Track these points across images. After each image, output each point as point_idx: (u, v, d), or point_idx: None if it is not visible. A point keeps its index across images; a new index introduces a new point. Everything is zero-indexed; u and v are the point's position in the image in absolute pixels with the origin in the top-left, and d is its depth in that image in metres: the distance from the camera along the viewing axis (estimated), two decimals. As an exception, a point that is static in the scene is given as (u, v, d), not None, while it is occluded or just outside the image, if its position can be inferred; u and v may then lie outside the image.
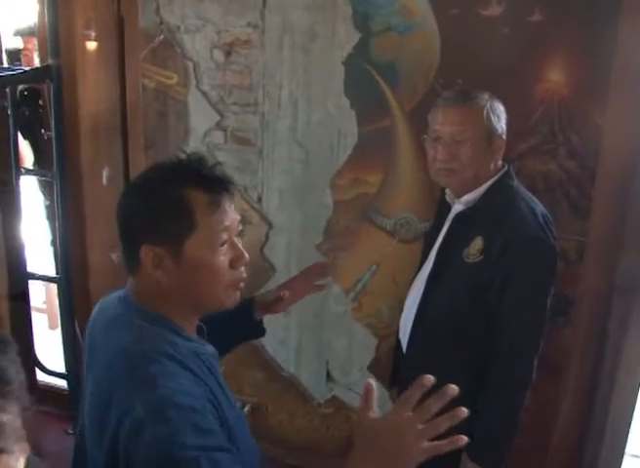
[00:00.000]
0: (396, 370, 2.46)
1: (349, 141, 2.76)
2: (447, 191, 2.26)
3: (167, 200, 1.34)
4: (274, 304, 1.87)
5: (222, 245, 1.37)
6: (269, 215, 2.97)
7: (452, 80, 2.50)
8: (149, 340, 1.34)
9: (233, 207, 1.41)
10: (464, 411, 1.13)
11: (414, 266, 2.46)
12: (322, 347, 3.02)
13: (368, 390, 1.21)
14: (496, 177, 2.15)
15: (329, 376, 3.05)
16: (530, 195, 2.18)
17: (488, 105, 2.09)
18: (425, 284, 2.22)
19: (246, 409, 3.16)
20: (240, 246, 1.41)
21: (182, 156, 1.43)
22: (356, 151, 2.76)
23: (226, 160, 2.95)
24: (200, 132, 2.98)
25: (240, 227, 1.45)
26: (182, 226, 1.34)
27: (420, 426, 1.13)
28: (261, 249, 3.02)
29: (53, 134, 3.05)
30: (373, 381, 1.23)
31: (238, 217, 1.43)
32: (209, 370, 1.41)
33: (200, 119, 2.97)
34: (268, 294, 1.91)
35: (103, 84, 3.05)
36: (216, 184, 1.37)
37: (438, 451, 1.13)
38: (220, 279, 1.38)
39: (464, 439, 1.13)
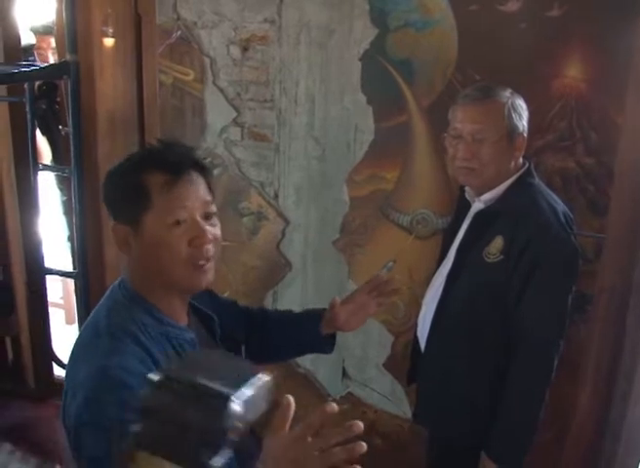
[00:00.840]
0: (414, 366, 2.46)
1: (366, 137, 2.75)
2: (466, 189, 2.24)
3: (127, 181, 1.44)
4: (334, 315, 1.84)
5: (179, 223, 1.41)
6: (286, 212, 2.97)
7: (469, 76, 2.50)
8: (118, 316, 1.43)
9: (200, 187, 1.46)
10: (363, 447, 1.11)
11: (430, 263, 2.46)
12: (338, 344, 2.99)
13: (286, 407, 1.16)
14: (516, 176, 2.13)
15: (345, 373, 3.06)
16: (551, 193, 2.16)
17: (509, 103, 2.07)
18: (445, 282, 2.22)
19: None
20: (203, 225, 1.44)
21: (154, 142, 1.52)
22: (373, 147, 2.75)
23: (243, 156, 2.96)
24: (217, 128, 2.98)
25: (213, 209, 1.48)
26: (139, 204, 1.40)
27: (316, 453, 1.11)
28: (278, 245, 3.02)
29: (70, 129, 3.08)
30: (291, 398, 1.17)
31: (206, 198, 1.47)
32: (180, 356, 1.44)
33: (217, 115, 2.97)
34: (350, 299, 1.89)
35: (121, 80, 3.06)
36: (173, 166, 1.42)
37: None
38: (176, 256, 1.42)
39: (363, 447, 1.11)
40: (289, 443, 1.13)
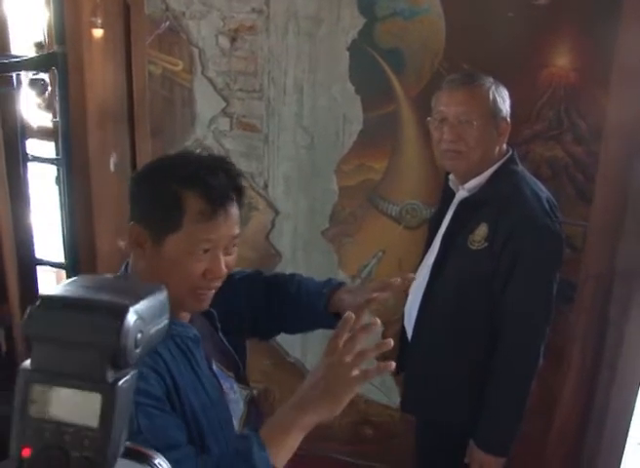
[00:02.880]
0: (401, 356, 2.46)
1: (355, 127, 2.75)
2: (450, 177, 2.25)
3: (164, 192, 1.37)
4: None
5: (203, 252, 1.38)
6: (275, 202, 2.97)
7: (457, 65, 2.49)
8: None
9: (233, 219, 1.41)
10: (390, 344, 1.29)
11: (419, 253, 2.46)
12: (327, 333, 3.01)
13: (347, 318, 1.34)
14: (500, 163, 2.13)
15: (334, 362, 3.05)
16: (535, 180, 2.16)
17: (493, 87, 2.09)
18: (430, 271, 2.22)
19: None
20: (222, 263, 1.40)
21: (205, 154, 1.47)
22: (361, 137, 2.75)
23: (232, 146, 2.96)
24: (206, 118, 2.98)
25: (235, 246, 1.45)
26: (169, 222, 1.36)
27: (348, 359, 1.30)
28: (267, 235, 3.02)
29: (59, 120, 3.07)
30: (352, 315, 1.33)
31: (234, 233, 1.42)
32: (183, 352, 1.43)
33: (206, 105, 2.97)
34: (360, 292, 1.76)
35: (110, 71, 3.05)
36: (216, 194, 1.36)
37: (368, 378, 1.31)
38: (186, 281, 1.39)
39: (392, 365, 1.28)
40: (324, 362, 1.30)
